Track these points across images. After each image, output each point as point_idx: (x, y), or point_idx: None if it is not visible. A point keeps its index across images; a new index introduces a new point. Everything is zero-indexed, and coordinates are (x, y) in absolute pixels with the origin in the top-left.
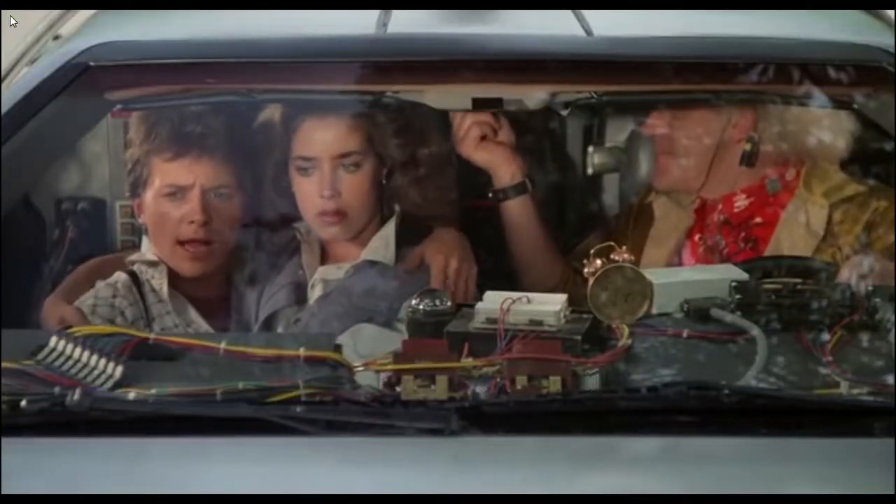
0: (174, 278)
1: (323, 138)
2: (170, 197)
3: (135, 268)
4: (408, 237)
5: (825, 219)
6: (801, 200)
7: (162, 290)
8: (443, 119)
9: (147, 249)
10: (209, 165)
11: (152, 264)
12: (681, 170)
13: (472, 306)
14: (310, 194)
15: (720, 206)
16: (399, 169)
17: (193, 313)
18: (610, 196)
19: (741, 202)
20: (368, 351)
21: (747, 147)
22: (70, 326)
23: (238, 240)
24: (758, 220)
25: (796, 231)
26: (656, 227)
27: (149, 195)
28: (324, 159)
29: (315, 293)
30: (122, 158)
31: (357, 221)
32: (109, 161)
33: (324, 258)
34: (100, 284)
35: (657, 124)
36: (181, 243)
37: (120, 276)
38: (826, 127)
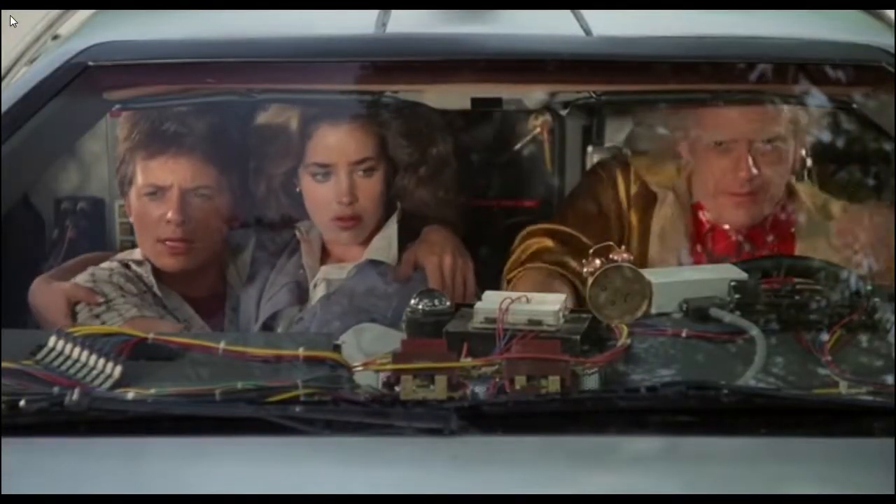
0: (168, 277)
1: (340, 145)
2: (150, 196)
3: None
4: (413, 238)
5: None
6: (812, 212)
7: (152, 286)
8: (452, 120)
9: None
10: (189, 165)
11: (139, 263)
12: (764, 205)
13: (472, 306)
14: (325, 200)
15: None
16: (412, 171)
17: (189, 311)
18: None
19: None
20: (372, 350)
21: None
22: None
23: (227, 238)
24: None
25: (819, 243)
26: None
27: (132, 194)
28: (340, 166)
29: (318, 293)
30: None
31: (370, 224)
32: (109, 161)
33: (324, 257)
34: (93, 268)
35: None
36: (161, 241)
37: (113, 263)
38: (826, 128)
